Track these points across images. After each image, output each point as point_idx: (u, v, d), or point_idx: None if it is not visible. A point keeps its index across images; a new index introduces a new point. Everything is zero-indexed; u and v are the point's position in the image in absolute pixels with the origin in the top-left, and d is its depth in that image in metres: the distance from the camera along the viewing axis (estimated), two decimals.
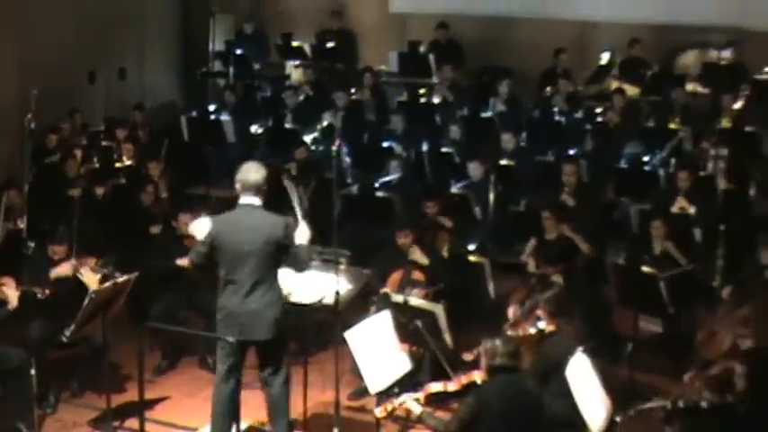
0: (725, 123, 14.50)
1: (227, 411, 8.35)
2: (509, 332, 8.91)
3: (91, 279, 9.51)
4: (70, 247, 9.67)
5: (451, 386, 8.20)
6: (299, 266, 8.37)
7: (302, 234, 8.37)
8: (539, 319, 9.02)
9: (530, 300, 9.62)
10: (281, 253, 8.20)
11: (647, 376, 9.89)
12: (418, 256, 10.37)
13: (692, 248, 11.25)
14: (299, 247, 8.24)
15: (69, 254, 9.67)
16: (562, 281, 9.85)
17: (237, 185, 8.31)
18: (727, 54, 16.57)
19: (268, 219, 8.24)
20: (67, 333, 8.73)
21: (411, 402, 7.72)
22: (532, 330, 8.91)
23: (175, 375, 10.30)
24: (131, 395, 9.25)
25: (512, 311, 9.75)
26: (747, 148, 13.87)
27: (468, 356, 9.33)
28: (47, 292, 9.35)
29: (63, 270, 9.57)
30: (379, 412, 7.94)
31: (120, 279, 9.04)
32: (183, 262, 9.70)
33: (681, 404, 7.92)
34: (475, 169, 13.09)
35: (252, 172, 8.28)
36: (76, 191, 12.65)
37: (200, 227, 8.37)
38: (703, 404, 7.93)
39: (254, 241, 8.12)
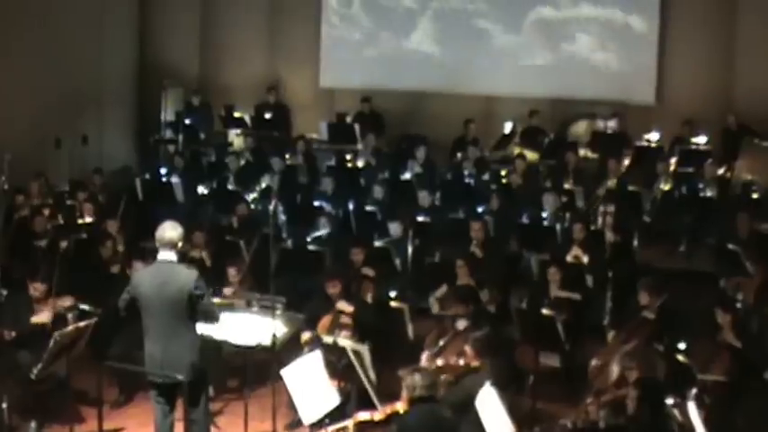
0: (611, 184, 14.69)
1: None
2: (439, 361, 8.95)
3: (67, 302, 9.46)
4: (50, 285, 9.51)
5: (377, 415, 8.19)
6: (208, 320, 8.29)
7: None
8: (464, 354, 9.07)
9: (448, 335, 9.70)
10: (195, 302, 8.07)
11: (547, 404, 9.92)
12: (344, 306, 10.34)
13: (585, 292, 11.37)
14: (207, 302, 8.14)
15: (49, 292, 9.50)
16: (467, 321, 9.87)
17: (156, 242, 8.20)
18: (612, 124, 16.88)
19: (182, 272, 8.12)
20: (35, 371, 8.64)
21: (350, 429, 7.77)
22: (461, 362, 8.96)
23: (131, 408, 10.15)
24: (92, 426, 9.09)
25: (425, 356, 9.79)
26: (631, 205, 14.06)
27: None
28: (13, 334, 9.22)
29: (42, 318, 9.41)
30: None
31: (82, 323, 8.97)
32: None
33: (580, 424, 8.01)
34: (395, 228, 13.10)
35: (168, 230, 8.15)
36: (43, 242, 12.56)
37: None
38: (601, 424, 8.04)
39: (169, 293, 7.99)
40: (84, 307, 9.85)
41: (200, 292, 8.04)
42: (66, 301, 9.76)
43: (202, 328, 8.38)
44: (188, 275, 8.07)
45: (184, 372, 8.01)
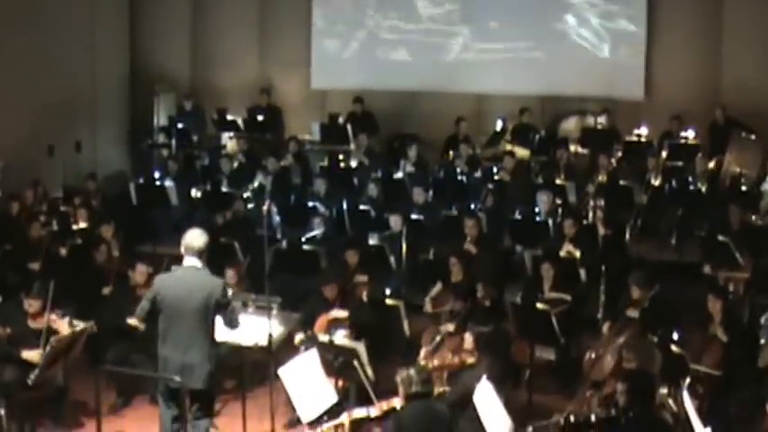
0: (602, 179, 14.70)
1: None
2: (435, 360, 8.94)
3: (64, 328, 9.31)
4: (44, 302, 9.45)
5: (373, 412, 8.19)
6: (232, 325, 8.31)
7: None
8: (461, 350, 9.04)
9: (443, 331, 9.70)
10: (219, 311, 8.14)
11: (543, 398, 9.93)
12: (338, 313, 10.32)
13: (578, 286, 11.38)
14: (234, 308, 8.23)
15: (44, 308, 9.44)
16: (464, 316, 9.90)
17: (182, 248, 8.24)
18: (602, 120, 16.90)
19: (209, 280, 8.17)
20: (32, 376, 8.62)
21: (346, 426, 7.80)
22: (456, 359, 8.95)
23: (129, 412, 10.14)
24: (90, 430, 9.10)
25: (423, 352, 9.81)
26: (622, 200, 14.08)
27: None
28: (8, 331, 9.17)
29: (32, 355, 9.22)
30: None
31: (78, 328, 8.94)
32: (132, 321, 9.39)
33: (572, 419, 8.02)
34: (395, 221, 13.11)
35: (195, 238, 8.21)
36: (39, 253, 12.51)
37: None
38: (592, 418, 8.05)
39: (194, 300, 8.03)
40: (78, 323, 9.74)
41: (226, 300, 8.13)
42: (61, 323, 9.56)
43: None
44: (216, 284, 8.16)
45: (202, 380, 8.08)
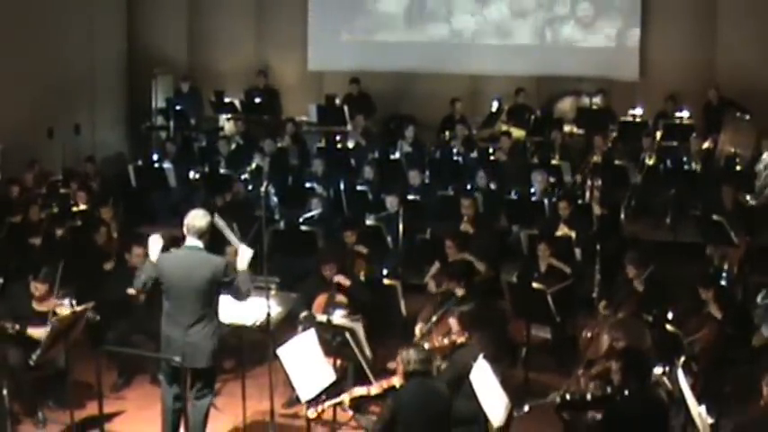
0: (597, 159, 14.71)
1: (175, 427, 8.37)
2: (426, 344, 8.96)
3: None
4: (51, 286, 9.45)
5: (374, 390, 8.22)
6: (240, 297, 8.33)
7: (244, 255, 8.33)
8: (450, 331, 9.06)
9: (438, 314, 9.72)
10: (222, 289, 8.16)
11: (539, 376, 9.99)
12: (342, 279, 10.38)
13: (574, 266, 11.41)
14: (239, 280, 8.19)
15: (50, 293, 9.39)
16: (462, 296, 9.92)
17: (184, 229, 8.23)
18: (597, 100, 16.90)
19: (210, 260, 8.16)
20: (34, 357, 8.63)
21: (346, 404, 7.84)
22: (446, 341, 8.97)
23: (130, 391, 10.18)
24: (92, 410, 9.09)
25: (419, 327, 9.85)
26: (617, 179, 14.10)
27: (392, 365, 9.37)
28: (17, 327, 9.19)
29: (37, 333, 9.20)
30: (312, 413, 7.99)
31: (79, 308, 8.96)
32: (132, 291, 9.57)
33: (568, 397, 8.06)
34: (392, 202, 13.13)
35: (198, 218, 8.20)
36: (38, 237, 12.49)
37: (155, 244, 8.32)
38: (588, 396, 8.09)
39: (196, 280, 8.04)
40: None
41: (229, 279, 8.12)
42: (65, 309, 9.57)
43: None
44: (218, 264, 8.14)
45: (205, 358, 8.12)
